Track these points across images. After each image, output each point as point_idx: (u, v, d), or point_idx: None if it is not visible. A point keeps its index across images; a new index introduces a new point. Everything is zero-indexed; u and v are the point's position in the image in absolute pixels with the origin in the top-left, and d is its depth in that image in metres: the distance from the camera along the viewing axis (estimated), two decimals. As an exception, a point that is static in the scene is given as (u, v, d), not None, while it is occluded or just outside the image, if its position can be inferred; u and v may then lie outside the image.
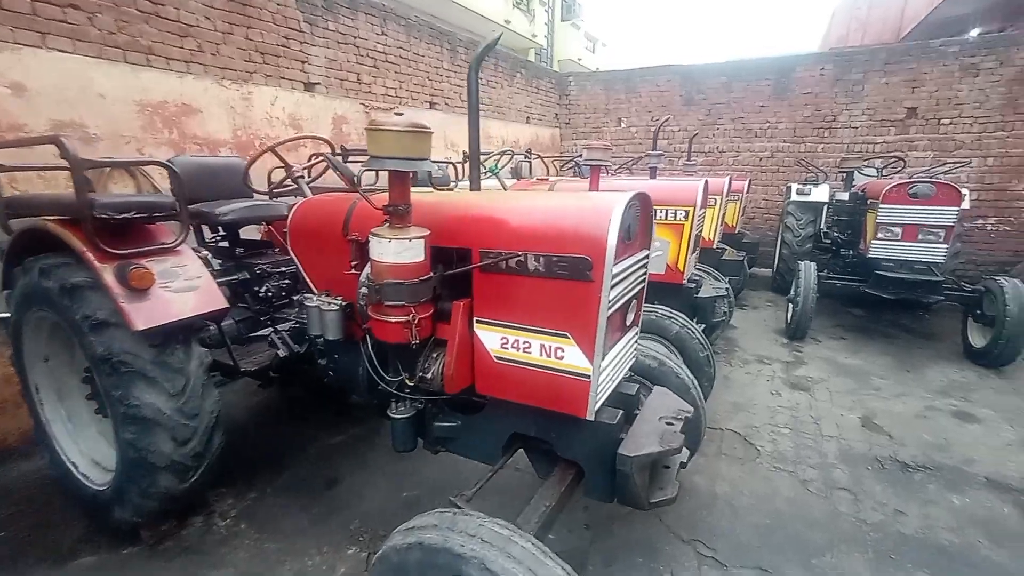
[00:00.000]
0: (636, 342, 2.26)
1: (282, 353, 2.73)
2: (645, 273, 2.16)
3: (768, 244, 8.69)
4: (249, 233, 3.88)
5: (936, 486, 3.08)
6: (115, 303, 2.15)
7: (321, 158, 3.03)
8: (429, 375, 2.02)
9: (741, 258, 5.86)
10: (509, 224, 1.86)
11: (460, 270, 1.92)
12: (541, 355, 1.84)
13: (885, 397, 4.27)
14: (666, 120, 6.12)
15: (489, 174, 5.06)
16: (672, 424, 1.98)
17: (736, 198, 6.81)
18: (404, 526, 1.59)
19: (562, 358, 1.80)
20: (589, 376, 1.76)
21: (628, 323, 2.13)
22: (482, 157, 5.25)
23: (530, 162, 5.71)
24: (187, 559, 2.52)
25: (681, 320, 3.40)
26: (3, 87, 3.13)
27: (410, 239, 1.78)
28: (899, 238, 5.30)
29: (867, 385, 4.50)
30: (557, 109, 10.41)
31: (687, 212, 3.75)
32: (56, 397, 2.93)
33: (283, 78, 4.87)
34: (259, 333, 2.81)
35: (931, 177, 5.48)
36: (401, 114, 1.77)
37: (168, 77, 3.94)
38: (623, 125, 9.87)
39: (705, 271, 5.03)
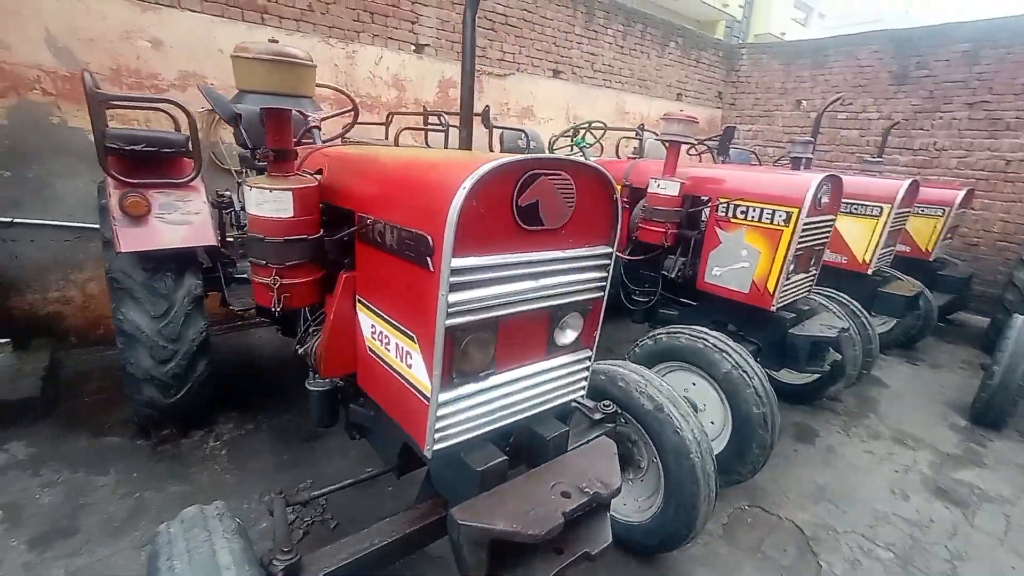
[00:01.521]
0: (583, 371, 1.66)
1: None
2: (602, 280, 1.54)
3: (995, 284, 6.23)
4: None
5: None
6: (111, 225, 2.37)
7: (349, 109, 2.92)
8: (301, 350, 1.77)
9: (914, 293, 4.22)
10: (380, 185, 1.46)
11: (337, 236, 1.59)
12: (396, 356, 1.43)
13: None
14: (837, 100, 4.69)
15: (576, 149, 4.49)
16: (568, 496, 1.38)
17: (937, 212, 4.94)
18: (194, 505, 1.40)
19: (410, 366, 1.37)
20: (428, 398, 1.29)
21: (561, 343, 1.55)
22: (569, 129, 4.67)
23: (640, 140, 4.91)
24: (170, 465, 2.77)
25: (735, 358, 2.51)
26: (145, 42, 3.74)
27: (271, 190, 1.51)
28: None
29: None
30: (721, 87, 8.90)
31: (789, 215, 2.72)
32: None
33: (390, 38, 4.97)
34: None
35: None
36: (276, 41, 1.48)
37: (279, 35, 4.29)
38: (803, 107, 7.97)
39: (841, 301, 3.73)
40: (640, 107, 7.68)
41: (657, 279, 3.46)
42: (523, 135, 4.12)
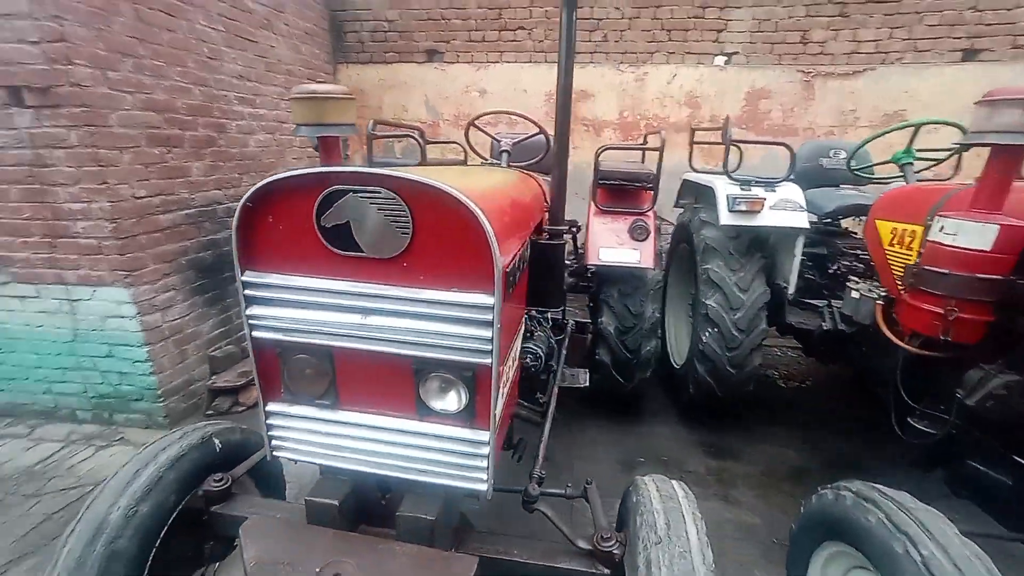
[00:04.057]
0: (477, 458, 1.25)
1: None
2: (483, 340, 1.13)
3: None
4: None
5: None
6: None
7: (536, 133, 2.99)
8: None
9: None
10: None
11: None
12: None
13: None
14: None
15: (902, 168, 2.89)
16: (335, 587, 1.11)
17: None
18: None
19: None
20: (268, 405, 1.34)
21: (437, 408, 1.25)
22: (871, 137, 2.96)
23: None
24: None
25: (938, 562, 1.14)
26: (475, 92, 4.93)
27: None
28: None
29: None
30: None
31: None
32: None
33: (688, 52, 4.52)
34: None
35: None
36: (322, 82, 1.79)
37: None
38: None
39: None
40: None
41: (951, 399, 1.88)
42: (789, 151, 2.98)
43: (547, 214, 2.17)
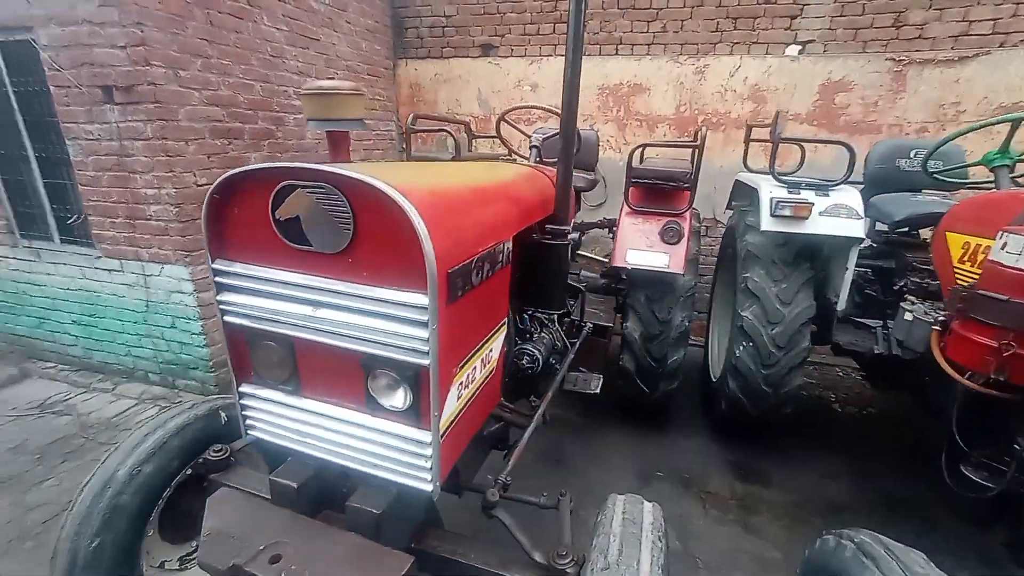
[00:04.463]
0: (420, 458, 1.26)
1: None
2: (419, 341, 1.13)
3: None
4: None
5: None
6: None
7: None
8: None
9: None
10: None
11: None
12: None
13: None
14: None
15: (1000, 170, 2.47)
16: (273, 561, 1.16)
17: None
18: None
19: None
20: (243, 385, 1.42)
21: (385, 403, 1.27)
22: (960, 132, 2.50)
23: None
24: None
25: None
26: (527, 86, 4.88)
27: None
28: None
29: None
30: None
31: None
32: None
33: (755, 43, 4.14)
34: None
35: None
36: (332, 78, 1.85)
37: (628, 62, 4.49)
38: None
39: None
40: None
41: (1011, 448, 1.59)
42: (848, 151, 2.62)
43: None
